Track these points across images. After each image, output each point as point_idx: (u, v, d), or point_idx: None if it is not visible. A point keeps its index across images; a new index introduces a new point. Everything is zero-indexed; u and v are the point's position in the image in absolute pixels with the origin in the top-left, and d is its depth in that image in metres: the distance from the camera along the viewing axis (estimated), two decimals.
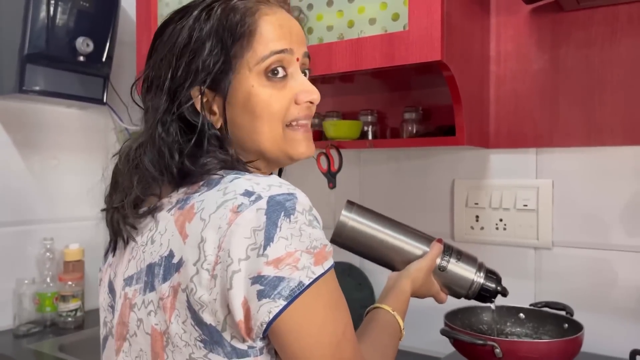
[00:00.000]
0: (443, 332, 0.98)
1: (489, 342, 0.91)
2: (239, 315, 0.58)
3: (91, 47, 1.56)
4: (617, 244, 1.20)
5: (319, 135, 1.48)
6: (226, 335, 0.60)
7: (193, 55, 0.68)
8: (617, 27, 1.19)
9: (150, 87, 0.72)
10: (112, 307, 0.73)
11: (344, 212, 0.93)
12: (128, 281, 0.68)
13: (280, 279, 0.57)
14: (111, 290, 0.74)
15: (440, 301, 0.95)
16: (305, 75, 0.75)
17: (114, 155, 0.75)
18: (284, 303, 0.57)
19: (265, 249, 0.57)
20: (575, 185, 1.25)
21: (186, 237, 0.61)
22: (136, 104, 0.76)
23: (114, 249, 0.77)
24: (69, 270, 1.65)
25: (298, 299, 0.58)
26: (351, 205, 0.94)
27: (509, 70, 1.32)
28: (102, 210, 0.75)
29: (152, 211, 0.68)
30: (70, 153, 1.77)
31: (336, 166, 1.36)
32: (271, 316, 0.57)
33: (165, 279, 0.62)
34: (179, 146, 0.67)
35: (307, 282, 0.58)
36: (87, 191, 1.78)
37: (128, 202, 0.68)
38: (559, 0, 1.18)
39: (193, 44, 0.68)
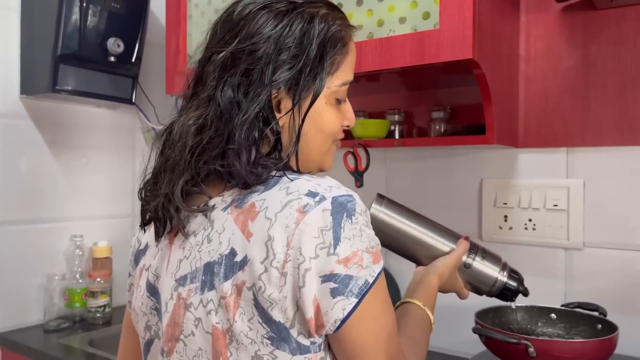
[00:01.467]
0: (475, 330, 0.98)
1: (523, 341, 0.91)
2: (310, 312, 0.59)
3: (122, 48, 1.59)
4: None
5: (345, 135, 1.48)
6: (293, 332, 0.61)
7: (297, 56, 0.67)
8: None
9: (228, 68, 0.67)
10: (157, 309, 0.72)
11: (374, 205, 0.93)
12: (181, 281, 0.67)
13: (350, 277, 0.59)
14: (153, 293, 0.73)
15: (462, 297, 0.96)
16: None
17: (164, 131, 0.71)
18: (355, 300, 0.59)
19: (335, 248, 0.59)
20: (607, 185, 1.23)
21: (250, 235, 0.61)
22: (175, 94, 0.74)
23: (145, 247, 0.77)
24: (98, 267, 1.68)
25: (365, 297, 0.60)
26: (381, 198, 0.95)
27: (539, 69, 1.31)
28: (142, 191, 0.72)
29: (205, 210, 0.67)
30: (99, 152, 1.80)
31: (363, 165, 1.36)
32: (345, 313, 0.59)
33: (227, 278, 0.62)
34: (256, 147, 0.65)
35: (371, 281, 0.61)
36: (115, 190, 1.82)
37: (177, 192, 0.66)
38: None
39: (297, 45, 0.67)
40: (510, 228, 1.35)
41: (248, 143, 0.64)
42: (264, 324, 0.60)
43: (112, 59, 1.59)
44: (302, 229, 0.59)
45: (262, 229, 0.61)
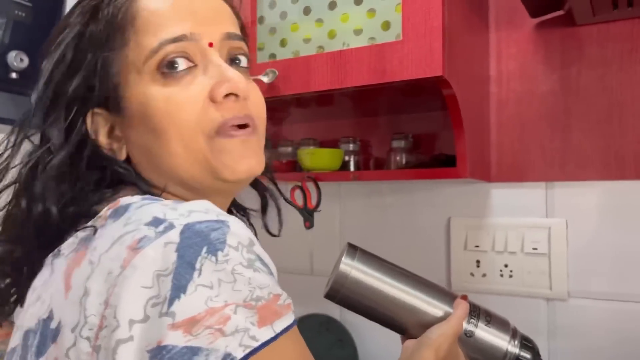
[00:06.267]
0: None
1: None
2: None
3: (26, 63, 1.35)
4: None
5: (292, 166, 1.28)
6: None
7: (69, 73, 0.55)
8: (637, 43, 1.04)
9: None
10: None
11: (344, 260, 0.71)
12: (9, 355, 0.50)
13: (193, 352, 0.36)
14: None
15: None
16: (238, 62, 0.55)
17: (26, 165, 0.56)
18: None
19: (171, 303, 0.37)
20: (593, 225, 1.07)
21: (69, 289, 0.42)
22: None
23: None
24: None
25: None
26: (353, 250, 0.73)
27: (512, 92, 1.15)
28: None
29: (55, 254, 0.49)
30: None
31: (314, 202, 1.15)
32: None
33: (39, 354, 0.43)
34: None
35: (241, 354, 0.37)
36: None
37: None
38: (572, 12, 1.02)
39: (65, 58, 0.55)
40: (484, 275, 1.16)
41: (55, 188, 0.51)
42: None
43: (14, 75, 1.35)
44: (127, 275, 0.38)
45: (81, 279, 0.41)
